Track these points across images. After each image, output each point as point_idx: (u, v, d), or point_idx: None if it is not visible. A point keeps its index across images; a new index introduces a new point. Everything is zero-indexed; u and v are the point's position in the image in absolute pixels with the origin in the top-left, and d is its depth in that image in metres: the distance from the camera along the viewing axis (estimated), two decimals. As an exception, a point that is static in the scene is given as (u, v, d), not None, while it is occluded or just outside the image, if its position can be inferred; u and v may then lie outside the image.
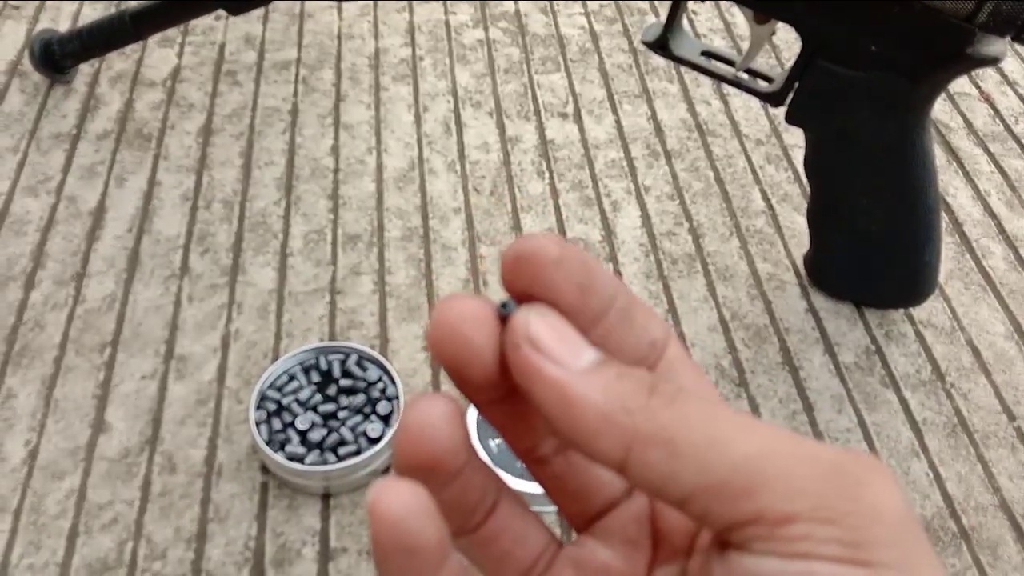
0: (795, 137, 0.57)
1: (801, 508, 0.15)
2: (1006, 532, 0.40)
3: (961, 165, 0.57)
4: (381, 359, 0.42)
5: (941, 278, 0.50)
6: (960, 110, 0.60)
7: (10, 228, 0.49)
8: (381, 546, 0.15)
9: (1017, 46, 0.63)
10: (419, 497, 0.15)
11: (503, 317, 0.17)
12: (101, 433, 0.41)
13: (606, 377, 0.16)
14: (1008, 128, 0.59)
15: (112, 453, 0.40)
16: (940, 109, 0.60)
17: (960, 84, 0.62)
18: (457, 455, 0.17)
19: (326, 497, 0.39)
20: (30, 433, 0.41)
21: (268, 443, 0.39)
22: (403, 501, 0.15)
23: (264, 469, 0.40)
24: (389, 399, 0.41)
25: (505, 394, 0.17)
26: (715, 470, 0.15)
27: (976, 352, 0.47)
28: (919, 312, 0.48)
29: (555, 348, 0.16)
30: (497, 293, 0.48)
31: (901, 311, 0.48)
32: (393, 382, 0.41)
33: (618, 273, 0.49)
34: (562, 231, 0.51)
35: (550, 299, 0.17)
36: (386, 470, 0.40)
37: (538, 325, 0.16)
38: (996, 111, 0.61)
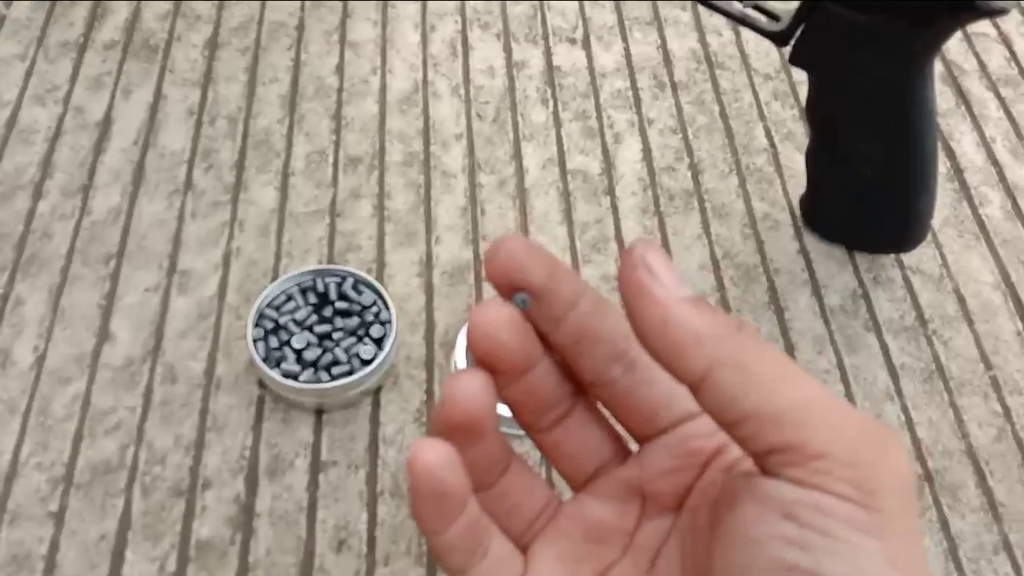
0: (803, 74, 0.57)
1: (833, 449, 0.17)
2: (968, 477, 0.41)
3: (969, 109, 0.56)
4: (376, 284, 0.43)
5: (935, 224, 0.50)
6: (975, 51, 0.59)
7: (18, 137, 0.50)
8: (417, 490, 0.19)
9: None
10: (449, 454, 0.19)
11: (522, 311, 0.20)
12: (106, 342, 0.43)
13: (703, 307, 0.19)
14: (1023, 72, 0.58)
15: (116, 362, 0.42)
16: (955, 50, 0.59)
17: (979, 24, 0.61)
18: (489, 420, 0.20)
19: (319, 412, 0.41)
20: (38, 339, 0.43)
21: (265, 360, 0.41)
22: (436, 455, 0.19)
23: (260, 383, 0.42)
24: (382, 323, 0.42)
25: (518, 378, 0.21)
26: (776, 401, 0.18)
27: (962, 300, 0.47)
28: (909, 258, 0.49)
29: (665, 275, 0.19)
30: (493, 222, 0.49)
31: (892, 256, 0.49)
32: (387, 307, 0.42)
33: (614, 207, 0.50)
34: (562, 162, 0.51)
35: (525, 281, 0.20)
36: (377, 390, 0.42)
37: (653, 255, 0.19)
38: (1013, 54, 0.59)
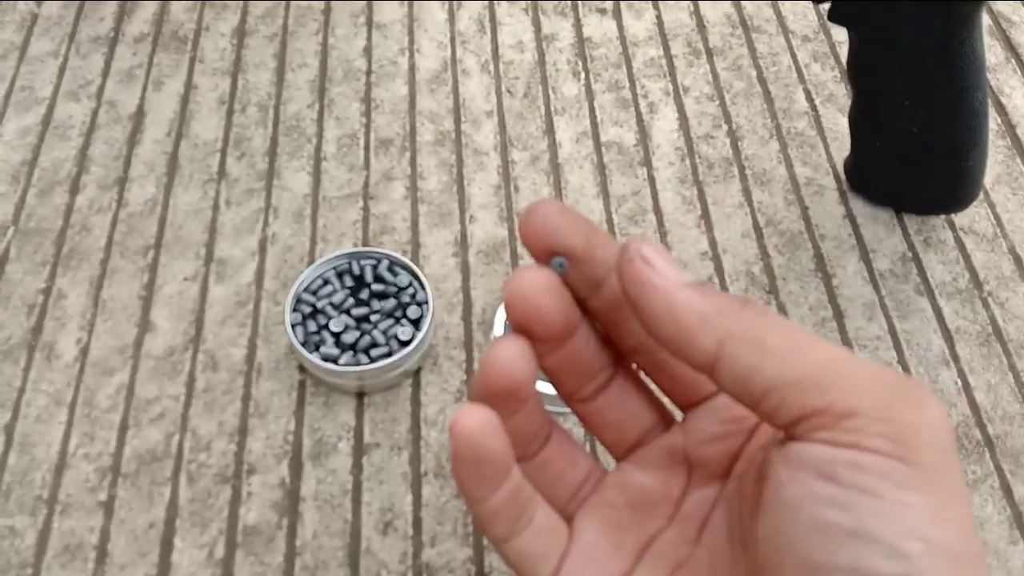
0: (843, 34, 0.55)
1: (863, 405, 0.17)
2: (1032, 441, 0.40)
3: (1020, 62, 0.54)
4: (412, 265, 0.42)
5: (987, 183, 0.48)
6: (1025, 2, 0.57)
7: (54, 132, 0.50)
8: (458, 456, 0.19)
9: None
10: (490, 418, 0.19)
11: (560, 275, 0.20)
12: (147, 332, 0.43)
13: (705, 290, 0.19)
14: (1076, 21, 0.56)
15: (158, 351, 0.42)
16: (1003, 1, 0.57)
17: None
18: (529, 387, 0.20)
19: (360, 395, 0.41)
20: (80, 332, 0.43)
21: (304, 344, 0.41)
22: (478, 420, 0.19)
23: (301, 368, 0.42)
24: (419, 304, 0.42)
25: (559, 345, 0.21)
26: (795, 367, 0.17)
27: (1018, 260, 0.45)
28: (960, 218, 0.47)
29: (662, 265, 0.19)
30: (527, 199, 0.48)
31: (942, 217, 0.47)
32: (423, 287, 0.42)
33: (651, 178, 0.49)
34: (596, 135, 0.50)
35: (563, 246, 0.20)
36: (417, 371, 0.42)
37: (648, 247, 0.19)
38: (1065, 2, 0.57)
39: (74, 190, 0.48)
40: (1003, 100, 0.52)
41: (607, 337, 0.22)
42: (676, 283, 0.18)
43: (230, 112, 0.51)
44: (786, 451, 0.18)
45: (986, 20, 0.56)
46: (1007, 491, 0.39)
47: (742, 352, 0.18)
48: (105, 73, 0.53)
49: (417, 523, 0.38)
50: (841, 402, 0.17)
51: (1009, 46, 0.55)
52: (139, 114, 0.51)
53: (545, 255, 0.20)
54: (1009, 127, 0.51)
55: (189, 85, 0.53)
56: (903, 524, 0.16)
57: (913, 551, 0.16)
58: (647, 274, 0.18)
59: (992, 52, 0.54)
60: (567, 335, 0.20)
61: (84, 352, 0.42)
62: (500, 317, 0.41)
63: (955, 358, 0.42)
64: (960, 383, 0.42)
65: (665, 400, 0.23)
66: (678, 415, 0.23)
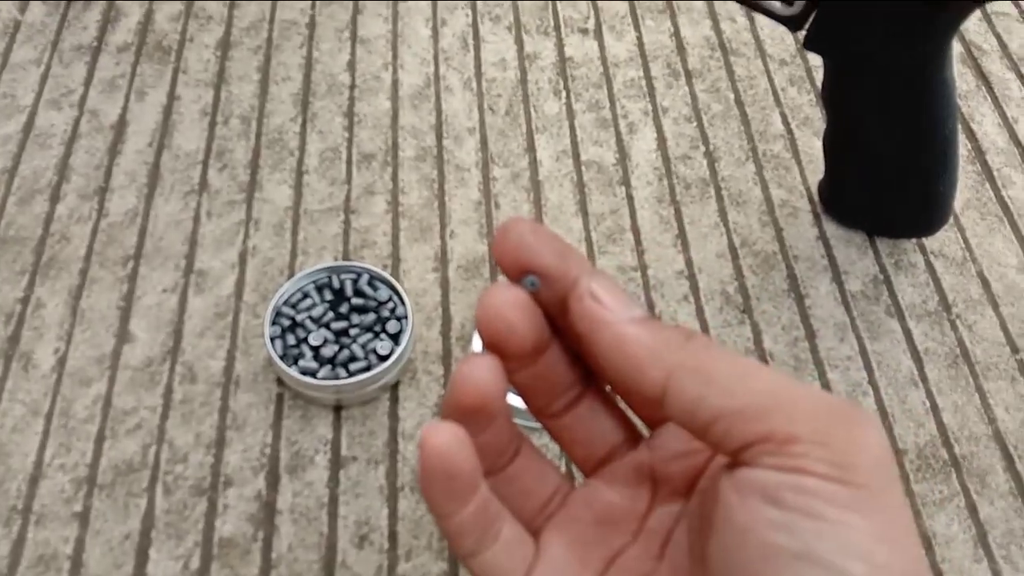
0: (818, 58, 0.56)
1: (802, 431, 0.17)
2: (997, 462, 0.41)
3: (991, 90, 0.55)
4: (391, 280, 0.43)
5: (957, 207, 0.49)
6: (996, 31, 0.58)
7: (35, 141, 0.50)
8: (427, 471, 0.19)
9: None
10: (459, 434, 0.19)
11: (532, 293, 0.20)
12: (125, 343, 0.43)
13: (652, 325, 0.19)
14: (1044, 51, 0.57)
15: (136, 362, 0.42)
16: (974, 30, 0.58)
17: (999, 3, 0.60)
18: (498, 403, 0.20)
19: (338, 409, 0.41)
20: (58, 342, 0.43)
21: (283, 357, 0.41)
22: (448, 436, 0.19)
23: (279, 381, 0.42)
24: (398, 318, 0.42)
25: (530, 362, 0.21)
26: (739, 396, 0.18)
27: (986, 284, 0.46)
28: (931, 242, 0.48)
29: (610, 301, 0.19)
30: (507, 215, 0.48)
31: (913, 241, 0.48)
32: (403, 302, 0.42)
33: (630, 197, 0.49)
34: (576, 153, 0.51)
35: (537, 264, 0.20)
36: (395, 385, 0.42)
37: (598, 283, 0.20)
38: (1034, 32, 0.58)
39: (54, 199, 0.48)
40: (973, 127, 0.53)
41: (577, 355, 0.22)
42: (624, 319, 0.19)
43: (213, 124, 0.51)
44: (734, 476, 0.18)
45: (957, 48, 0.57)
46: (972, 510, 0.39)
47: (688, 383, 0.19)
48: (88, 82, 0.53)
49: (393, 536, 0.38)
50: (782, 429, 0.18)
51: (980, 74, 0.56)
52: (121, 124, 0.51)
53: (517, 273, 0.20)
54: (979, 153, 0.52)
55: (172, 96, 0.53)
56: (846, 546, 0.17)
57: (857, 572, 0.16)
58: (596, 311, 0.19)
59: (963, 79, 0.55)
60: (538, 353, 0.21)
61: (61, 362, 0.42)
62: (478, 337, 0.42)
63: (923, 379, 0.43)
64: (928, 404, 0.42)
65: (634, 418, 0.24)
66: (646, 432, 0.24)
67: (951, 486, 0.40)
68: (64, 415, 0.41)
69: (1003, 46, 0.58)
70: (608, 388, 0.23)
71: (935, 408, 0.42)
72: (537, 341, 0.21)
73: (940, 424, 0.42)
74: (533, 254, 0.20)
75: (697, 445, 0.22)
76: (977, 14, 0.59)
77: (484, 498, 0.20)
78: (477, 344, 0.42)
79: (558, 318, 0.21)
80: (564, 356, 0.22)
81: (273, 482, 0.39)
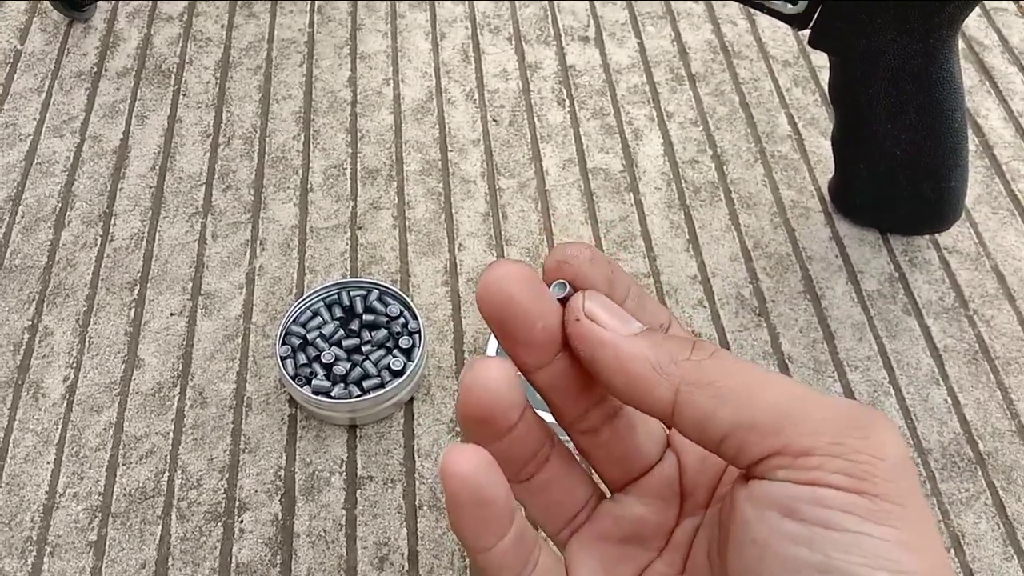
0: (823, 58, 0.56)
1: (817, 443, 0.17)
2: (1022, 457, 0.40)
3: (994, 85, 0.55)
4: (402, 294, 0.42)
5: (969, 202, 0.49)
6: (996, 26, 0.58)
7: (38, 169, 0.50)
8: (455, 499, 0.17)
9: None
10: (484, 458, 0.17)
11: (561, 299, 0.19)
12: (135, 368, 0.43)
13: (654, 339, 0.18)
14: (1047, 43, 0.57)
15: (146, 388, 0.42)
16: (975, 26, 0.58)
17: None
18: (510, 410, 0.19)
19: (352, 428, 0.41)
20: (67, 369, 0.42)
21: (294, 377, 0.40)
22: (471, 460, 0.17)
23: (291, 401, 0.41)
24: (410, 333, 0.42)
25: (553, 360, 0.20)
26: (750, 410, 0.17)
27: (1001, 278, 0.46)
28: (944, 238, 0.47)
29: (607, 319, 0.19)
30: (515, 226, 0.48)
31: (926, 237, 0.47)
32: (414, 316, 0.42)
33: (639, 203, 0.49)
34: (582, 161, 0.51)
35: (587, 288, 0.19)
36: (409, 402, 0.41)
37: (591, 302, 0.19)
38: (1035, 25, 0.58)
39: (59, 226, 0.48)
40: (980, 121, 0.53)
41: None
42: (622, 334, 0.18)
43: (215, 145, 0.51)
44: (750, 489, 0.18)
45: (960, 44, 0.57)
46: (1000, 507, 0.39)
47: (698, 399, 0.18)
48: (88, 108, 0.53)
49: (413, 556, 0.37)
50: (796, 442, 0.17)
51: (983, 69, 0.56)
52: (123, 148, 0.51)
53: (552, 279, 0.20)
54: (987, 148, 0.52)
55: (173, 119, 0.52)
56: (869, 556, 0.16)
57: None
58: (592, 330, 0.18)
59: (967, 75, 0.55)
60: (552, 344, 0.19)
61: (71, 390, 0.42)
62: (492, 345, 0.41)
63: (944, 376, 0.43)
64: (950, 401, 0.42)
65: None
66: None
67: (977, 484, 0.40)
68: (76, 443, 0.40)
69: (1004, 41, 0.57)
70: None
71: (957, 405, 0.42)
72: (548, 328, 0.19)
73: (963, 421, 0.41)
74: (584, 283, 0.19)
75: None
76: (976, 10, 0.59)
77: (520, 526, 0.19)
78: (492, 353, 0.41)
79: None
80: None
81: (289, 505, 0.39)
